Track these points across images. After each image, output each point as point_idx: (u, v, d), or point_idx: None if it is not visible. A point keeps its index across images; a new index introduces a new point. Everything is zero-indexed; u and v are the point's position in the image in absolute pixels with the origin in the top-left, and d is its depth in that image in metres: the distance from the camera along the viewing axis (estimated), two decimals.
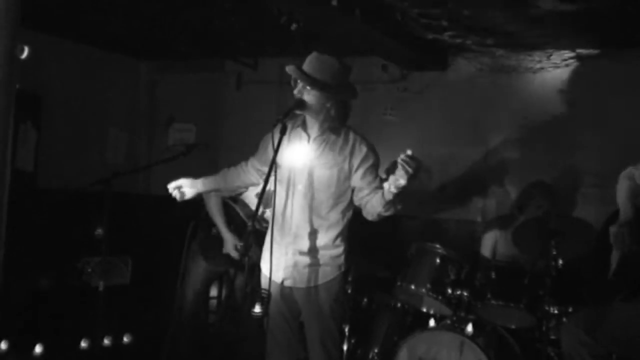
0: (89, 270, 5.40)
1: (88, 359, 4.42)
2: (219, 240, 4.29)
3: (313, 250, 3.24)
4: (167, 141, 7.03)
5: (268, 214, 3.73)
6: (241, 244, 3.91)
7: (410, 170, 2.87)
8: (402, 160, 2.89)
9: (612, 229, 3.33)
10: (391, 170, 2.95)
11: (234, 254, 4.18)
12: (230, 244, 4.22)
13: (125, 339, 4.68)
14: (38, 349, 4.30)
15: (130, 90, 7.08)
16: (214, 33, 5.73)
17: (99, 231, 4.31)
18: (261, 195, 2.87)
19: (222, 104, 6.83)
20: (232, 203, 4.34)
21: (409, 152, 2.91)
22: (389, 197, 3.03)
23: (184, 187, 3.55)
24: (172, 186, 3.56)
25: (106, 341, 4.56)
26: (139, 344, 4.72)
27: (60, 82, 6.16)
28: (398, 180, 2.93)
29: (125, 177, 4.39)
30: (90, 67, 6.51)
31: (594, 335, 3.19)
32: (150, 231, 6.20)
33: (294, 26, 4.77)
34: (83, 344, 4.49)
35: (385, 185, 3.03)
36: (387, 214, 3.15)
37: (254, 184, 3.63)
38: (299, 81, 3.17)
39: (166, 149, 6.83)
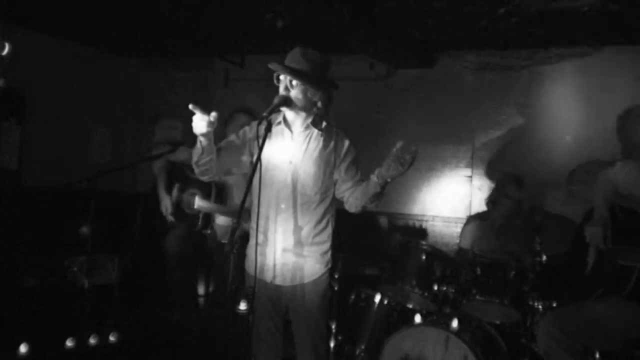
0: (75, 269, 5.38)
1: (74, 358, 4.40)
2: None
3: (301, 248, 3.23)
4: (154, 138, 7.02)
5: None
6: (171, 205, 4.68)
7: (408, 160, 2.90)
8: (396, 152, 2.92)
9: (587, 228, 3.37)
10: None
11: (163, 211, 4.71)
12: (163, 203, 4.77)
13: (111, 338, 4.66)
14: (23, 348, 4.27)
15: (116, 87, 7.05)
16: (200, 30, 5.72)
17: (85, 229, 4.29)
18: (246, 194, 2.87)
19: (209, 101, 6.82)
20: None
21: (401, 143, 2.92)
22: (377, 189, 3.05)
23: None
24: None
25: (92, 340, 4.53)
26: (125, 343, 4.70)
27: (46, 79, 6.12)
28: (391, 171, 2.95)
29: (111, 175, 4.37)
30: (75, 65, 6.48)
31: (569, 332, 3.22)
32: (136, 229, 6.18)
33: (280, 24, 4.77)
34: (69, 343, 4.46)
35: (373, 177, 3.05)
36: (372, 205, 3.17)
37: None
38: (282, 77, 3.16)
39: (152, 146, 6.82)
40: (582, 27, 4.85)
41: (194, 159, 3.12)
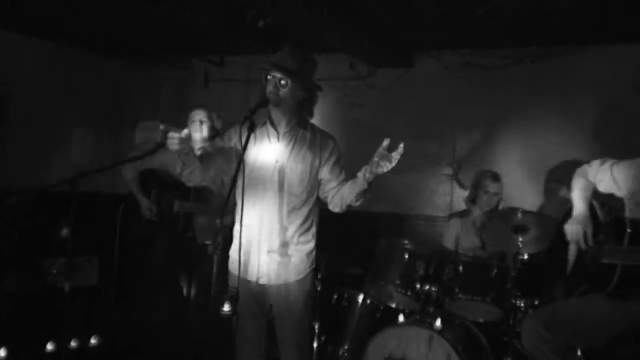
0: (55, 271, 5.32)
1: None
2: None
3: (287, 248, 3.23)
4: (134, 139, 6.96)
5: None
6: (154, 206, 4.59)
7: (395, 157, 2.93)
8: (383, 149, 2.94)
9: (567, 226, 3.38)
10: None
11: (147, 214, 4.67)
12: (144, 206, 4.69)
13: (93, 341, 4.62)
14: (3, 352, 4.22)
15: (96, 88, 7.00)
16: (180, 31, 5.68)
17: (65, 232, 4.25)
18: (229, 196, 2.85)
19: (190, 101, 6.78)
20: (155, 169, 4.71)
21: (388, 141, 2.94)
22: (364, 186, 3.07)
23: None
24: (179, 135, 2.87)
25: (73, 344, 4.49)
26: (106, 347, 4.66)
27: (25, 80, 6.06)
28: (379, 168, 2.97)
29: (91, 177, 4.34)
30: (55, 65, 6.42)
31: (554, 330, 3.23)
32: (117, 231, 6.13)
33: (261, 23, 4.76)
34: (49, 347, 4.42)
35: (360, 175, 3.06)
36: (357, 204, 3.20)
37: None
38: (270, 77, 3.14)
39: (133, 147, 6.77)
40: (562, 27, 4.89)
41: (177, 170, 3.12)
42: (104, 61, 7.07)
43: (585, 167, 3.49)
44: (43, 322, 4.57)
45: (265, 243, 3.22)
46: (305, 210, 3.25)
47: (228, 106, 5.78)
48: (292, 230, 3.23)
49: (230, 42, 6.02)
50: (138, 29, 5.81)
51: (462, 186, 5.78)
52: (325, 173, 3.27)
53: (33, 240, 5.29)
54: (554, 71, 5.50)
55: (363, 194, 3.13)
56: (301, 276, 3.26)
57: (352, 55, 5.94)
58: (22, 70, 6.00)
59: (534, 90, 5.60)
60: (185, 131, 2.89)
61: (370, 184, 3.06)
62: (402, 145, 2.94)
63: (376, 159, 2.97)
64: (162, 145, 4.13)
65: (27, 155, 6.07)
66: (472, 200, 5.01)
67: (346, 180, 3.25)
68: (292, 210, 3.22)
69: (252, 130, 2.98)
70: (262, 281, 3.24)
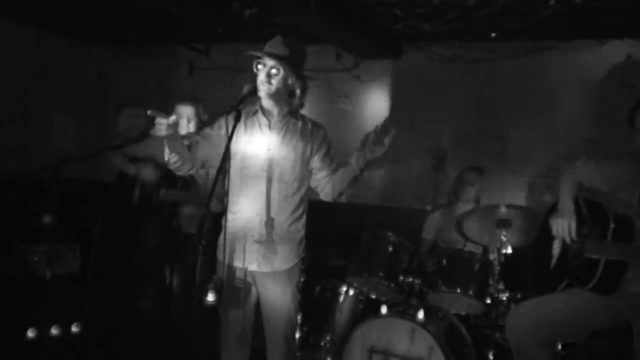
0: (35, 259, 5.28)
1: (35, 349, 4.32)
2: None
3: (277, 236, 3.22)
4: (117, 126, 6.92)
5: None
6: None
7: (387, 142, 2.98)
8: (375, 134, 2.98)
9: (553, 220, 3.41)
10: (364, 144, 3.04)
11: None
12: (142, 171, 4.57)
13: (74, 329, 4.59)
14: None
15: (80, 74, 6.93)
16: (165, 18, 5.64)
17: (47, 218, 4.20)
18: (214, 184, 2.84)
19: (174, 90, 6.74)
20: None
21: (379, 126, 2.98)
22: (356, 172, 3.09)
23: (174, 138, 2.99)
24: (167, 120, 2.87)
25: (54, 331, 4.46)
26: (87, 334, 4.64)
27: (5, 65, 5.98)
28: (373, 153, 3.00)
29: (75, 163, 4.30)
30: (39, 51, 6.35)
31: (534, 324, 3.26)
32: (100, 218, 6.09)
33: (247, 12, 4.73)
34: (30, 334, 4.38)
35: (352, 161, 3.08)
36: (349, 191, 3.22)
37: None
38: (260, 67, 3.13)
39: (116, 135, 6.72)
40: (548, 21, 4.90)
41: (165, 157, 3.11)
42: (88, 48, 7.00)
43: (573, 163, 3.53)
44: (24, 309, 4.54)
45: (255, 230, 3.20)
46: (296, 199, 3.25)
47: (213, 95, 5.76)
48: (282, 218, 3.22)
49: (216, 31, 5.98)
50: (123, 16, 5.75)
51: (445, 175, 5.81)
52: (316, 162, 3.27)
53: (14, 226, 5.23)
54: (541, 65, 5.52)
55: (355, 180, 3.15)
56: (289, 264, 3.26)
57: (338, 45, 5.92)
58: (5, 56, 5.92)
59: (520, 84, 5.61)
60: (173, 117, 2.87)
61: (362, 170, 3.08)
62: (392, 130, 2.97)
63: (368, 144, 3.00)
64: (146, 133, 4.10)
65: (10, 141, 6.01)
66: (455, 193, 5.04)
67: (336, 169, 3.25)
68: (283, 198, 3.21)
69: (238, 119, 2.96)
70: (251, 267, 3.23)
